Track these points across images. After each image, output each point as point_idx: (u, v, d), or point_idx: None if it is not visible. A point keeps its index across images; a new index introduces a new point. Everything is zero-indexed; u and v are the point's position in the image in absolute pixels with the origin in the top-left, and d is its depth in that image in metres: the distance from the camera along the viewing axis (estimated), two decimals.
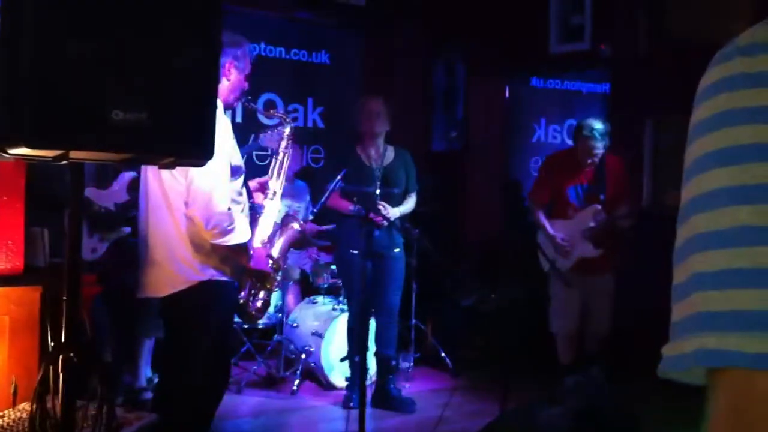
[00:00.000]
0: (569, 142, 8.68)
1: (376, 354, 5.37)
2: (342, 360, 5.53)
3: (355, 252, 5.09)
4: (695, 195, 0.64)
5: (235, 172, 3.39)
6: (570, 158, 5.39)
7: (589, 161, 5.23)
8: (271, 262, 3.75)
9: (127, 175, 4.79)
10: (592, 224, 5.20)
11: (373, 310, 5.28)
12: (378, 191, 5.22)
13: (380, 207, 5.08)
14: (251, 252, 3.53)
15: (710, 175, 0.63)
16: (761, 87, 0.61)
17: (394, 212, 5.18)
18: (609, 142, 5.22)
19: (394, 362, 5.45)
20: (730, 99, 0.63)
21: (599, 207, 5.21)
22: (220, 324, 3.49)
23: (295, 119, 7.31)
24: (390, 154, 5.41)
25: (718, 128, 0.63)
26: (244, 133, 6.86)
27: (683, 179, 0.66)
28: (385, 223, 5.11)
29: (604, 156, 5.24)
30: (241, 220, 3.41)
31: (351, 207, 5.06)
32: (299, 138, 6.56)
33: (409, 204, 5.39)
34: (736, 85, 0.63)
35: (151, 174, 3.41)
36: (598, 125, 5.20)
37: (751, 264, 0.58)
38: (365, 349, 4.83)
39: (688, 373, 0.62)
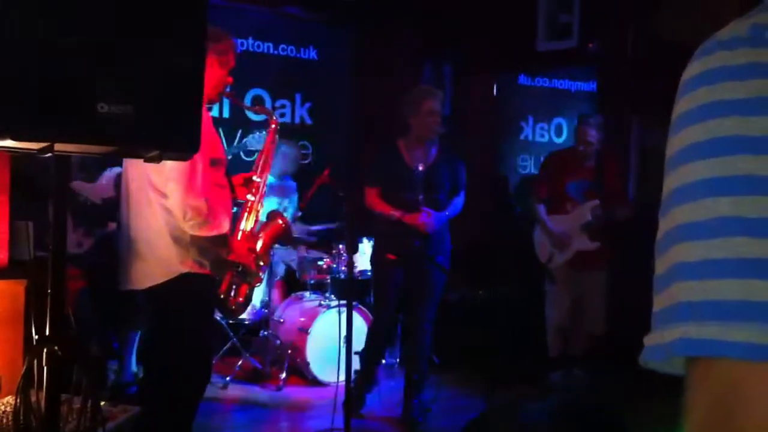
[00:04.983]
0: (556, 140, 8.72)
1: (405, 377, 5.04)
2: (356, 353, 5.38)
3: (392, 257, 4.77)
4: (676, 187, 0.64)
5: (215, 163, 3.39)
6: (572, 155, 5.55)
7: (586, 151, 5.33)
8: (253, 256, 3.74)
9: (114, 170, 4.78)
10: (589, 218, 5.31)
11: (402, 317, 5.17)
12: (421, 197, 4.75)
13: (423, 215, 4.71)
14: (231, 245, 3.52)
15: (690, 167, 0.63)
16: (741, 80, 0.62)
17: (440, 218, 4.81)
18: (603, 137, 5.36)
19: (420, 378, 5.01)
20: (710, 92, 0.63)
21: (598, 202, 5.33)
22: (200, 316, 3.49)
23: (282, 115, 7.30)
24: (434, 149, 4.91)
25: (698, 121, 0.64)
26: (231, 128, 6.85)
27: (665, 172, 0.67)
28: (430, 230, 4.75)
29: (603, 157, 5.38)
30: (220, 212, 3.41)
31: (392, 212, 4.76)
32: (287, 134, 6.57)
33: (457, 205, 4.97)
34: (716, 78, 0.63)
35: (130, 167, 3.41)
36: (594, 115, 5.49)
37: (731, 254, 0.59)
38: (380, 359, 4.99)
39: (669, 363, 0.62)
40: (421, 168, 4.78)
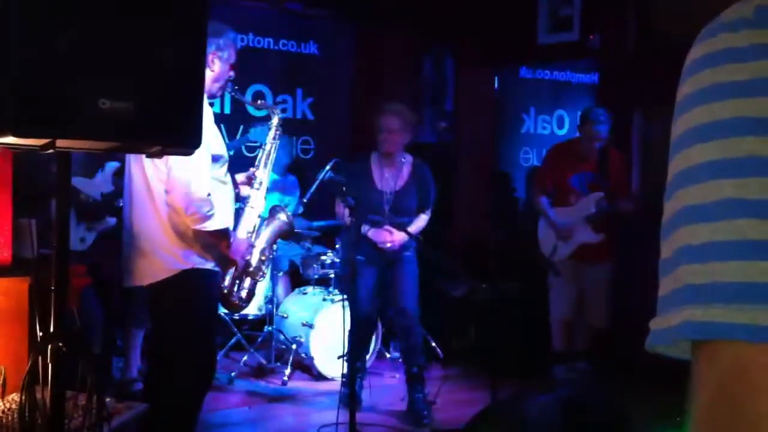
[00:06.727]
0: (558, 132, 8.71)
1: (405, 372, 5.10)
2: (339, 357, 5.41)
3: (360, 258, 4.76)
4: (680, 170, 0.64)
5: (216, 159, 3.39)
6: (575, 147, 5.55)
7: (593, 147, 5.33)
8: (257, 251, 3.75)
9: (112, 165, 4.78)
10: (593, 210, 5.30)
11: (391, 312, 5.22)
12: (386, 217, 4.87)
13: (386, 233, 4.83)
14: (232, 241, 3.52)
15: (694, 150, 0.63)
16: (744, 62, 0.61)
17: (400, 236, 4.84)
18: (609, 130, 5.35)
19: (419, 371, 5.07)
20: (713, 74, 0.63)
21: (602, 194, 5.31)
22: (205, 312, 3.50)
23: (284, 110, 7.29)
24: (405, 170, 4.99)
25: (701, 104, 0.63)
26: (232, 124, 6.84)
27: (669, 155, 0.67)
28: (391, 247, 4.85)
29: (608, 149, 5.36)
30: (223, 207, 3.41)
31: (349, 221, 4.74)
32: (289, 129, 6.56)
33: (420, 223, 5.01)
34: (719, 60, 0.63)
35: (134, 163, 3.41)
36: (602, 111, 5.42)
37: (736, 236, 0.59)
38: (363, 354, 5.04)
39: (675, 346, 0.62)
40: (389, 193, 4.90)
